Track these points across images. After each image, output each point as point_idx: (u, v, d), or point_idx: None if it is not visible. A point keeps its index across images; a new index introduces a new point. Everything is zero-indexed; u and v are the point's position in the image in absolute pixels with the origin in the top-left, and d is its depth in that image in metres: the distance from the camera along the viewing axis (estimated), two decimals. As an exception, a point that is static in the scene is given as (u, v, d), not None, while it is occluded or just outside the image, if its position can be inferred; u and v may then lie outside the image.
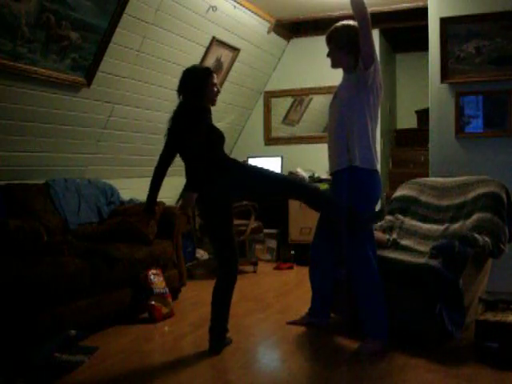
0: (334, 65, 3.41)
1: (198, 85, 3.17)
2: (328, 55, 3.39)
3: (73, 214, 4.15)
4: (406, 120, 6.88)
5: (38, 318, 3.09)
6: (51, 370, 2.87)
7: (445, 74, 4.51)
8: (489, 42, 4.36)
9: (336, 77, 6.19)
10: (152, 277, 3.87)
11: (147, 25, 4.42)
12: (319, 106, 6.44)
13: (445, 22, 4.46)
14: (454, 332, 3.17)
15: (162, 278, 3.95)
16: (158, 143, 5.26)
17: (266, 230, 6.03)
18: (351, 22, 3.27)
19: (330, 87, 6.33)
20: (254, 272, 5.61)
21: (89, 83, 4.16)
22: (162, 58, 4.83)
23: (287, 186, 3.38)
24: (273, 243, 6.22)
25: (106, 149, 4.79)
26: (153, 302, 3.81)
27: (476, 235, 3.41)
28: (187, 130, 3.06)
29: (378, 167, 3.34)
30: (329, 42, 3.37)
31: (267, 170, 3.40)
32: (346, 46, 3.27)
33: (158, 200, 4.32)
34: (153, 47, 4.65)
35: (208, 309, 3.26)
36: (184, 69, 3.29)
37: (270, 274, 5.64)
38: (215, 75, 3.28)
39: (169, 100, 5.19)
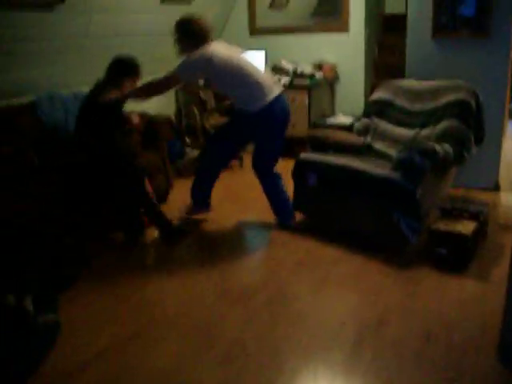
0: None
1: None
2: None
3: (61, 128, 4.32)
4: (396, 4, 6.67)
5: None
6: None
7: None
8: None
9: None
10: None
11: None
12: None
13: None
14: (411, 237, 3.50)
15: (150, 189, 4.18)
16: (137, 45, 5.26)
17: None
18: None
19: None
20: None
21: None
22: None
23: None
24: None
25: (89, 57, 4.83)
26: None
27: (437, 147, 3.61)
28: None
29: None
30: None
31: None
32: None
33: (140, 111, 4.50)
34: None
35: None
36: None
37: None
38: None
39: None
